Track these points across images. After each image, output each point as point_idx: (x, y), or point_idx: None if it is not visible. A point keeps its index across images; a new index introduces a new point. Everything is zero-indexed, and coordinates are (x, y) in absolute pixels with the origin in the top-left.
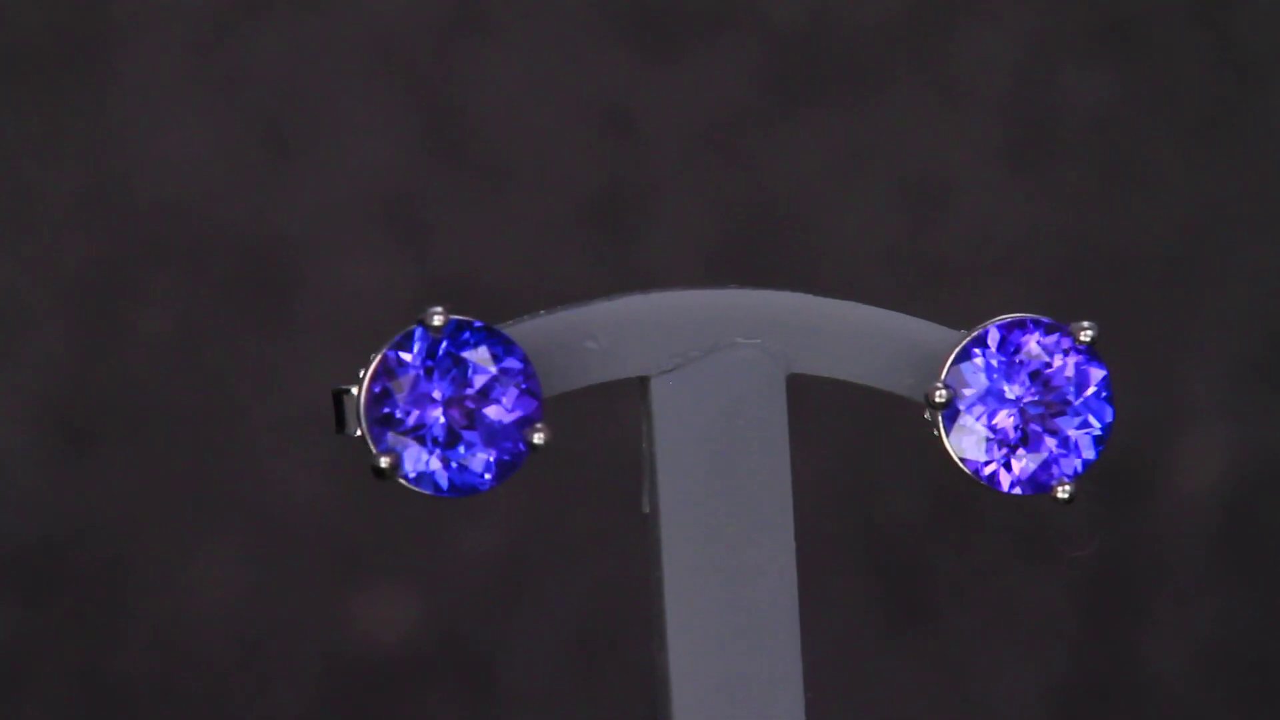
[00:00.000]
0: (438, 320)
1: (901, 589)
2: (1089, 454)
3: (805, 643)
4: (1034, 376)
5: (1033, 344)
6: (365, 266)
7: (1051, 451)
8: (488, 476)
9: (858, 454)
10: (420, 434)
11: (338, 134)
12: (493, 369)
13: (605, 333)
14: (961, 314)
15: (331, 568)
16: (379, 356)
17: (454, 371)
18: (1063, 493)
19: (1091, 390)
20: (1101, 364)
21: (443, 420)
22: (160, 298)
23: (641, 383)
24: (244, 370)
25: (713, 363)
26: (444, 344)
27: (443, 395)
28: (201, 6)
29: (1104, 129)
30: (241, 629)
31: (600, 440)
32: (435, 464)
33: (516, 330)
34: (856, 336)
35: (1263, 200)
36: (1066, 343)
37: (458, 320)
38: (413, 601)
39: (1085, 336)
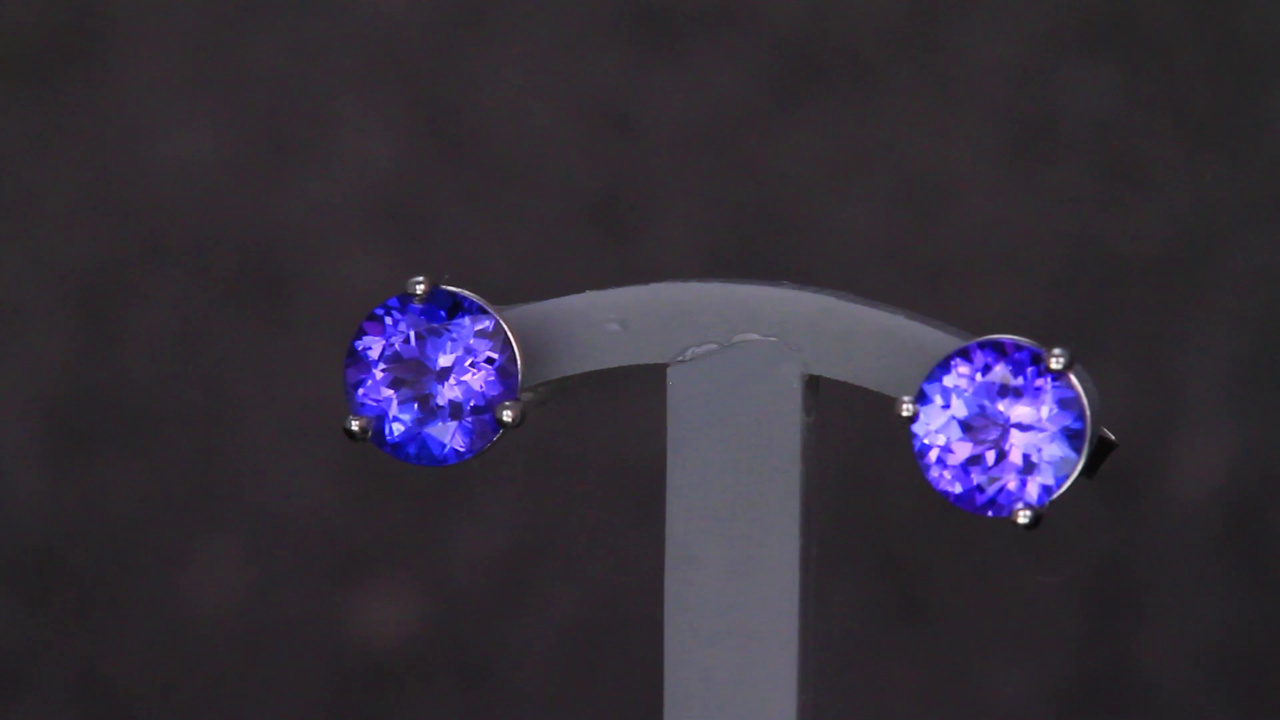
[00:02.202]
0: (420, 289)
1: (902, 588)
2: (1050, 481)
3: (809, 642)
4: (1002, 399)
5: (1003, 367)
6: (365, 266)
7: (1013, 475)
8: (458, 449)
9: (859, 453)
10: (396, 401)
11: (338, 134)
12: (471, 343)
13: (628, 317)
14: (961, 314)
15: (331, 568)
16: (361, 321)
17: (434, 342)
18: (1023, 518)
19: (1059, 417)
20: (1072, 391)
21: (418, 389)
22: (160, 298)
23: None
24: (244, 370)
25: (730, 357)
26: (426, 313)
27: (422, 364)
28: (201, 6)
29: (1104, 129)
30: (241, 629)
31: (600, 440)
32: (408, 432)
33: (542, 308)
34: (874, 344)
35: (1263, 200)
36: (1038, 368)
37: (447, 292)
38: (413, 601)
39: (1056, 364)
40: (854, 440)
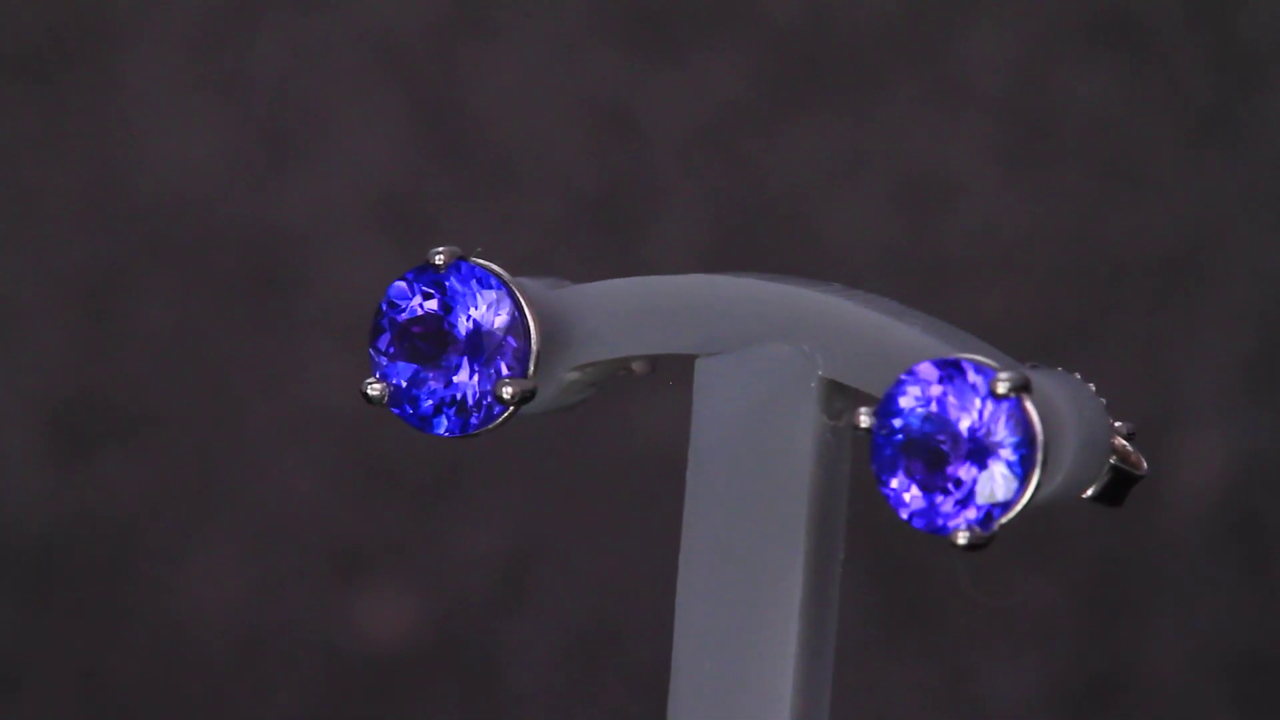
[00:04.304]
0: (439, 259)
1: (901, 590)
2: (995, 505)
3: (821, 647)
4: (960, 419)
5: (961, 386)
6: (365, 266)
7: (959, 496)
8: (470, 422)
9: (857, 454)
10: (414, 369)
11: (338, 134)
12: (491, 318)
13: (661, 306)
14: (961, 314)
15: (331, 567)
16: (389, 286)
17: (454, 313)
18: (961, 539)
19: (1011, 441)
20: (1025, 416)
21: (436, 359)
22: (160, 298)
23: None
24: (244, 370)
25: (758, 354)
26: (450, 284)
27: (441, 334)
28: (202, 6)
29: (1104, 129)
30: (241, 629)
31: (601, 440)
32: (423, 400)
33: (579, 291)
34: (894, 354)
35: (1263, 200)
36: (986, 391)
37: (475, 265)
38: (413, 601)
39: (1000, 388)
40: (854, 440)
